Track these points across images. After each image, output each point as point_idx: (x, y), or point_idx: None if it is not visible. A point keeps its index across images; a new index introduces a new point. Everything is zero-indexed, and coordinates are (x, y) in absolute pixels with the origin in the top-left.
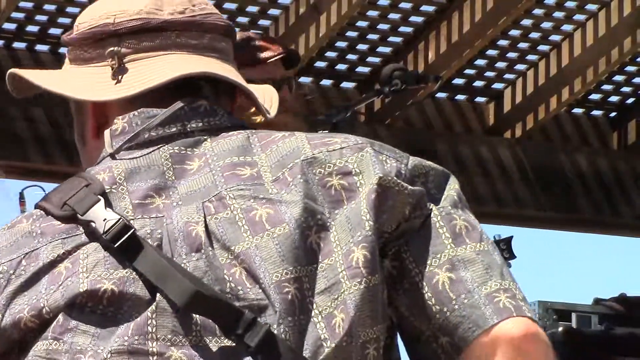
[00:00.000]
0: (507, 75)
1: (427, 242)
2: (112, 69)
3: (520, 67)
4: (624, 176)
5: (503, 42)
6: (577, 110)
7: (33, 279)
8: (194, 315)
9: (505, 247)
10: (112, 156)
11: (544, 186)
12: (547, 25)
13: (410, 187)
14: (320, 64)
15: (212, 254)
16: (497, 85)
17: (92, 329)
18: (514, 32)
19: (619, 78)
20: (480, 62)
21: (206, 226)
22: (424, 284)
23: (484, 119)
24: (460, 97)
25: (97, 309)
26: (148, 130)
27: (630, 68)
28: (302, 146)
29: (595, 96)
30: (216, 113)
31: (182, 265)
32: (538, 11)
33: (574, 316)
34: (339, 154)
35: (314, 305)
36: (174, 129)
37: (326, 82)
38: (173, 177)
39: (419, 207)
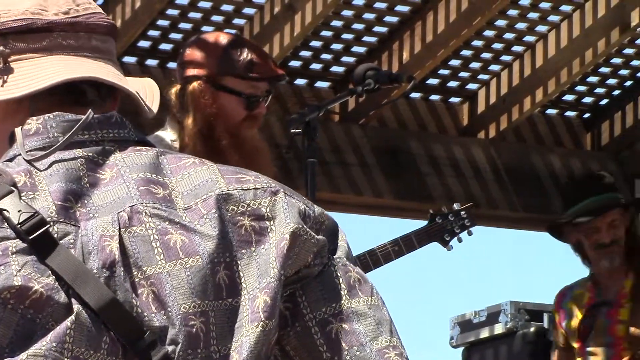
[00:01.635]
0: (481, 76)
1: (324, 290)
2: None
3: (494, 67)
4: None
5: (477, 43)
6: (551, 111)
7: None
8: (104, 333)
9: (466, 215)
10: (27, 160)
11: (517, 186)
12: (521, 26)
13: (316, 236)
14: (294, 63)
15: (123, 274)
16: (471, 86)
17: (11, 330)
18: (489, 33)
19: (592, 79)
20: (455, 62)
21: (120, 242)
22: (317, 329)
23: (457, 119)
24: (434, 97)
25: (18, 308)
26: (63, 134)
27: (604, 69)
28: (216, 179)
29: (569, 97)
30: (125, 125)
31: None
32: (512, 12)
33: (545, 316)
34: (252, 195)
35: (216, 342)
36: (86, 136)
37: (300, 82)
38: (88, 185)
39: (320, 256)
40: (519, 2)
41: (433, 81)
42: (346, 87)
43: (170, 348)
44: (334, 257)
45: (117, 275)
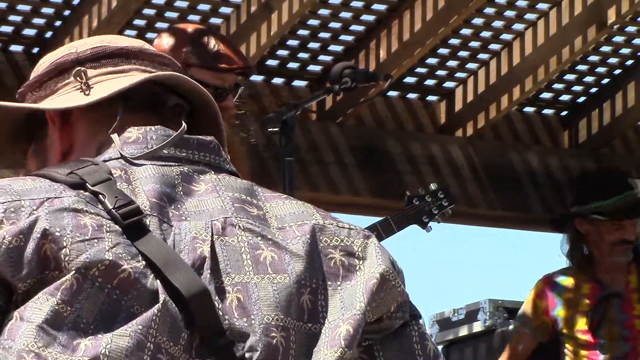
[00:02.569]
0: (458, 74)
1: (401, 352)
2: (80, 86)
3: (471, 65)
4: (574, 175)
5: (454, 41)
6: (528, 109)
7: (56, 216)
8: (184, 329)
9: (443, 194)
10: (125, 159)
11: (495, 184)
12: (498, 24)
13: (402, 286)
14: (271, 62)
15: (209, 277)
16: (449, 84)
17: (97, 307)
18: (465, 31)
19: (570, 77)
20: (432, 60)
21: (212, 247)
22: None
23: (435, 117)
24: (411, 95)
25: (105, 286)
26: (162, 147)
27: (581, 67)
28: (312, 212)
29: (546, 95)
30: (221, 154)
31: None
32: (489, 10)
33: None
34: (347, 233)
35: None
36: (183, 154)
37: (278, 81)
38: (182, 193)
39: (402, 310)
40: (496, 1)
41: (410, 79)
42: (323, 85)
43: (247, 354)
44: (417, 321)
45: (204, 277)
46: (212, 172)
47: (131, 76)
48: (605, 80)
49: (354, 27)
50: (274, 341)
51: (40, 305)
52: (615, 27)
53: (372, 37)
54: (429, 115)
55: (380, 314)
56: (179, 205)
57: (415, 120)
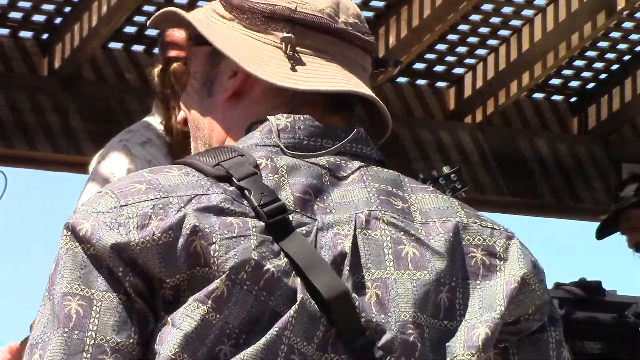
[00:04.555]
0: (467, 60)
1: (538, 359)
2: (284, 54)
3: (480, 52)
4: (584, 161)
5: (463, 27)
6: (538, 95)
7: (204, 213)
8: (320, 327)
9: (457, 177)
10: (279, 147)
11: (504, 171)
12: (507, 10)
13: (542, 289)
14: None
15: (348, 273)
16: (458, 70)
17: (245, 311)
18: (475, 17)
19: (579, 63)
20: (441, 46)
21: (354, 241)
22: None
23: (444, 103)
24: (420, 81)
25: (252, 289)
26: (309, 137)
27: (590, 53)
28: (457, 209)
29: (555, 81)
30: (369, 143)
31: None
32: None
33: None
34: (490, 232)
35: (428, 358)
36: (330, 145)
37: None
38: (328, 183)
39: (541, 312)
40: None
41: (419, 66)
42: None
43: (383, 352)
44: (555, 328)
45: (343, 274)
46: (359, 161)
47: (332, 68)
48: (615, 67)
49: (363, 13)
50: (411, 338)
51: (191, 313)
52: (624, 13)
53: (381, 23)
54: (438, 102)
55: (518, 316)
56: (324, 197)
57: (424, 106)
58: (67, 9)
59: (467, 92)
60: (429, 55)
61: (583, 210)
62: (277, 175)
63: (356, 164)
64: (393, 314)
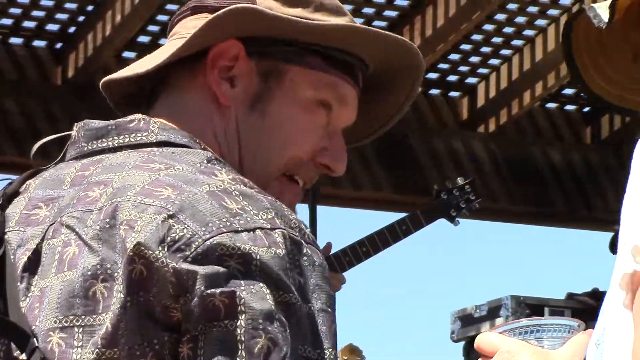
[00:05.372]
0: (480, 70)
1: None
2: None
3: (494, 61)
4: (597, 170)
5: (477, 37)
6: (551, 105)
7: None
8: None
9: (471, 189)
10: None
11: (517, 180)
12: (521, 20)
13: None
14: None
15: (22, 288)
16: (471, 80)
17: None
18: (488, 27)
19: None
20: (454, 56)
21: (35, 250)
22: None
23: (457, 113)
24: (434, 91)
25: None
26: (87, 143)
27: None
28: (137, 184)
29: (568, 91)
30: (147, 129)
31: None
32: (512, 6)
33: (546, 310)
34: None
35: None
36: (104, 144)
37: None
38: (68, 186)
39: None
40: None
41: (433, 75)
42: None
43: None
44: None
45: (21, 288)
46: (115, 154)
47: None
48: None
49: (376, 23)
50: (49, 345)
51: None
52: None
53: (394, 32)
54: (452, 111)
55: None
56: (56, 203)
57: (437, 115)
58: (81, 18)
59: (481, 101)
60: (442, 65)
61: (596, 219)
62: (23, 193)
63: (105, 160)
64: (39, 324)
